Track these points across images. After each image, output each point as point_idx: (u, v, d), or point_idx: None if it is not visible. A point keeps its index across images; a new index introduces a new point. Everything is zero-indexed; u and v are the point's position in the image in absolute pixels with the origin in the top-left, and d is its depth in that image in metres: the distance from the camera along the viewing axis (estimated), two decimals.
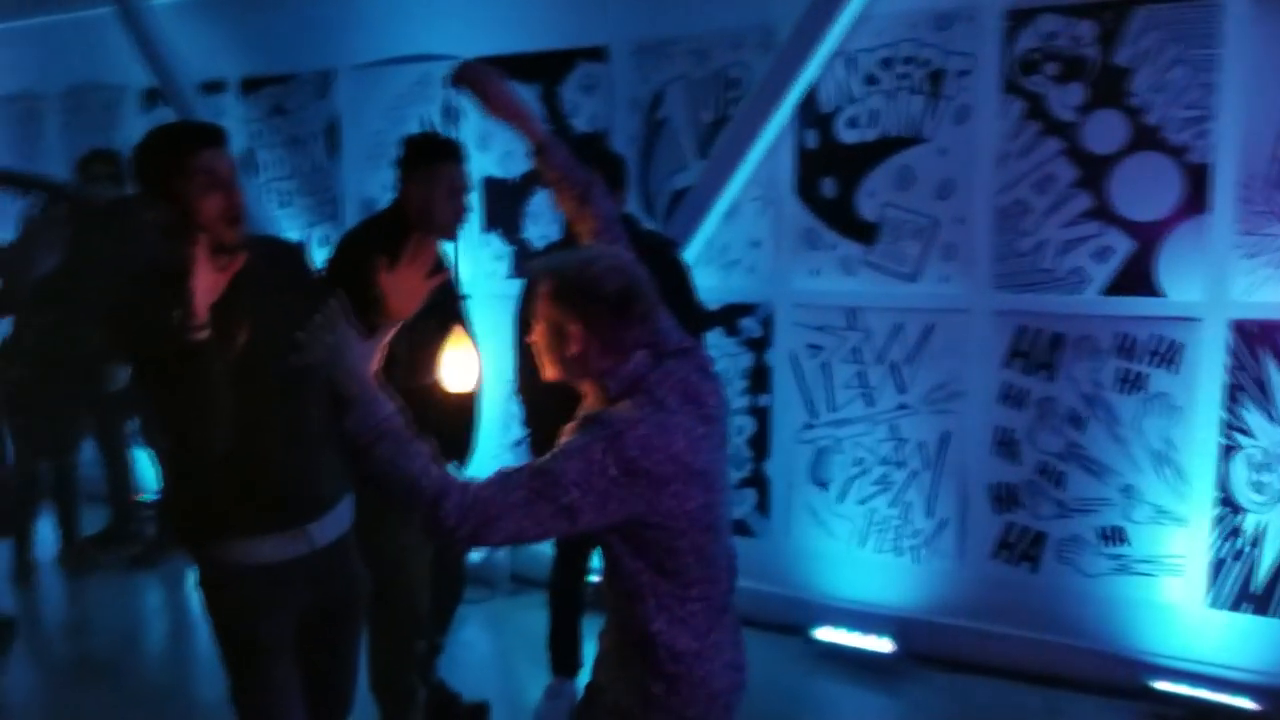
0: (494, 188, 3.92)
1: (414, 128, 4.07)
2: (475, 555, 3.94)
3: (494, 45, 3.83)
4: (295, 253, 2.06)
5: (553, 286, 1.59)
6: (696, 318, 3.00)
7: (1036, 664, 3.16)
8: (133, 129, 4.80)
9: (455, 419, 2.60)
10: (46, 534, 4.22)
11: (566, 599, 3.05)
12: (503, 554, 4.00)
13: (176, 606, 3.93)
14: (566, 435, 1.56)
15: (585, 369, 1.61)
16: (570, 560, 3.03)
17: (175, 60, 4.49)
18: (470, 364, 2.42)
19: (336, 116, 4.27)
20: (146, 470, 4.51)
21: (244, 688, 1.92)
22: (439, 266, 2.55)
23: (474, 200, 3.86)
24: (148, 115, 4.82)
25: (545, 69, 3.76)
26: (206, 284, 1.63)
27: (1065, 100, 2.98)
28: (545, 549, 3.07)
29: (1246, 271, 2.84)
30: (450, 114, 3.98)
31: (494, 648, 3.65)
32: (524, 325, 2.86)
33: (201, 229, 1.69)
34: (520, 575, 3.97)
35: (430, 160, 2.47)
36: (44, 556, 4.24)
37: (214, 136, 1.75)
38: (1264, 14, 2.71)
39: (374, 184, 4.23)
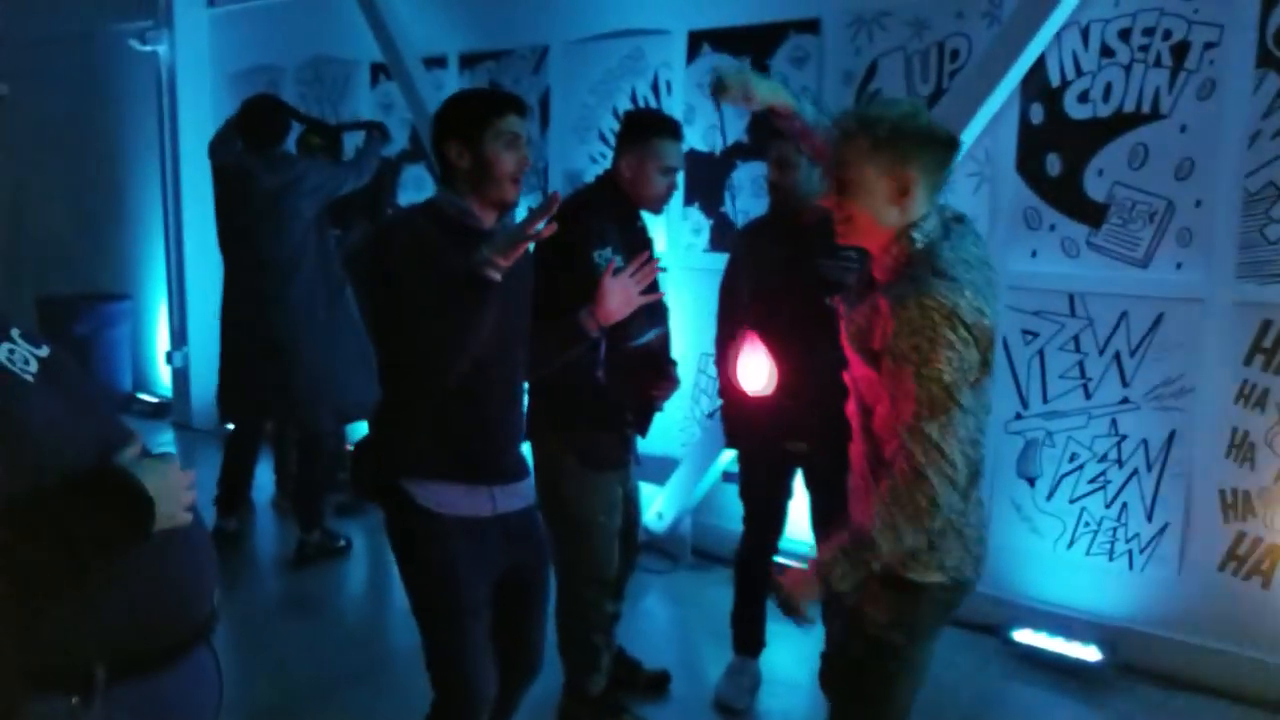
0: (696, 161, 4.11)
1: (623, 102, 4.36)
2: (660, 526, 4.21)
3: (703, 19, 4.05)
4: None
5: (892, 129, 1.75)
6: None
7: (1263, 688, 3.09)
8: (362, 102, 5.39)
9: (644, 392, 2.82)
10: (264, 476, 4.85)
11: (753, 575, 3.21)
12: (686, 527, 4.24)
13: (380, 552, 4.44)
14: (890, 314, 1.72)
15: (903, 218, 1.78)
16: (760, 537, 3.19)
17: (402, 36, 4.99)
18: (764, 367, 2.62)
19: (547, 91, 4.63)
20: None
21: (443, 647, 2.08)
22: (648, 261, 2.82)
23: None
24: (375, 89, 5.39)
25: (755, 41, 3.93)
26: (524, 245, 1.91)
27: None
28: (734, 524, 3.28)
29: None
30: (658, 88, 4.24)
31: (674, 619, 3.90)
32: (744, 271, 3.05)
33: (494, 180, 2.03)
34: (702, 550, 4.20)
35: (646, 136, 2.71)
36: (260, 498, 4.85)
37: (522, 107, 2.09)
38: None
39: (579, 157, 4.57)
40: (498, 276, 1.85)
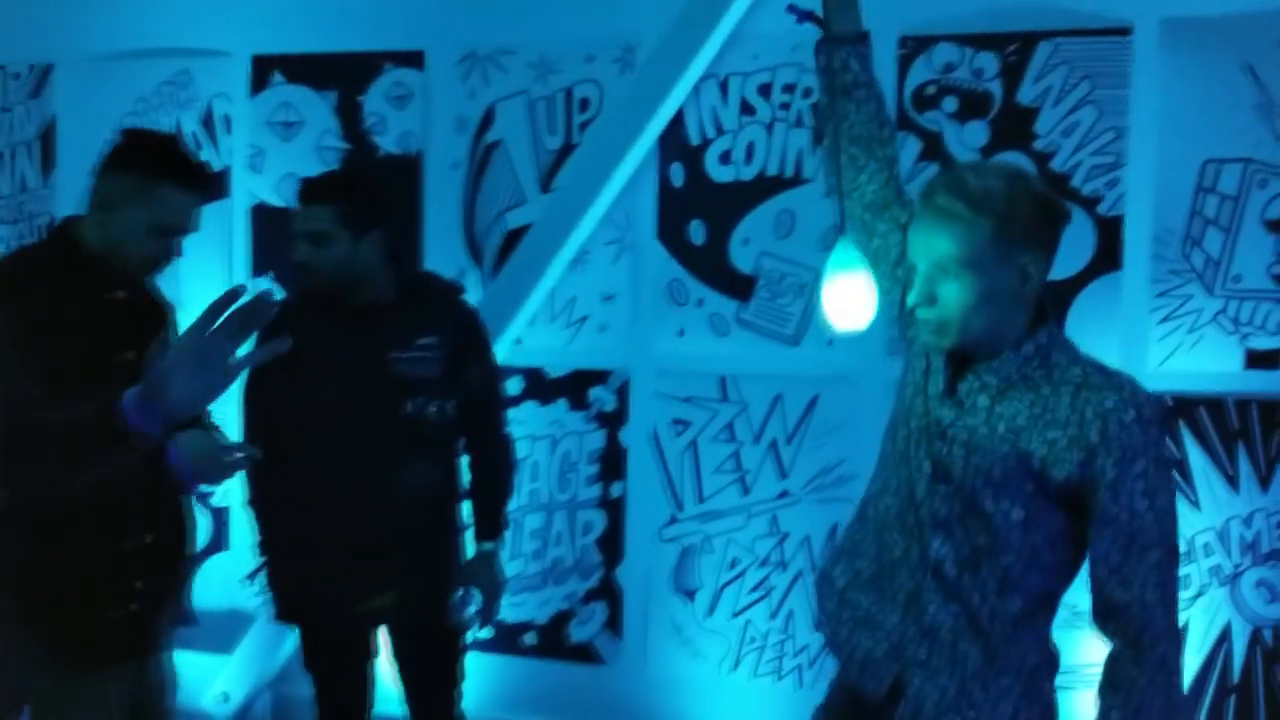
0: (268, 219, 3.58)
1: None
2: (225, 712, 3.42)
3: (274, 42, 3.56)
4: None
5: (1009, 202, 1.49)
6: (496, 393, 2.72)
7: None
8: None
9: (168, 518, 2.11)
10: None
11: None
12: (265, 705, 3.53)
13: None
14: (1115, 429, 1.50)
15: (1020, 312, 1.56)
16: (341, 694, 2.58)
17: None
18: (865, 294, 1.87)
19: (53, 121, 3.79)
20: None
21: None
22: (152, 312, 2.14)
23: (235, 237, 3.58)
24: None
25: (342, 73, 3.52)
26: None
27: (965, 140, 3.03)
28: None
29: (1160, 337, 2.93)
30: (213, 124, 3.64)
31: None
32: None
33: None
34: None
35: (154, 174, 1.97)
36: None
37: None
38: (1175, 48, 2.85)
39: None
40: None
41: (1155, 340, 2.93)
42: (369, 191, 2.50)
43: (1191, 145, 2.87)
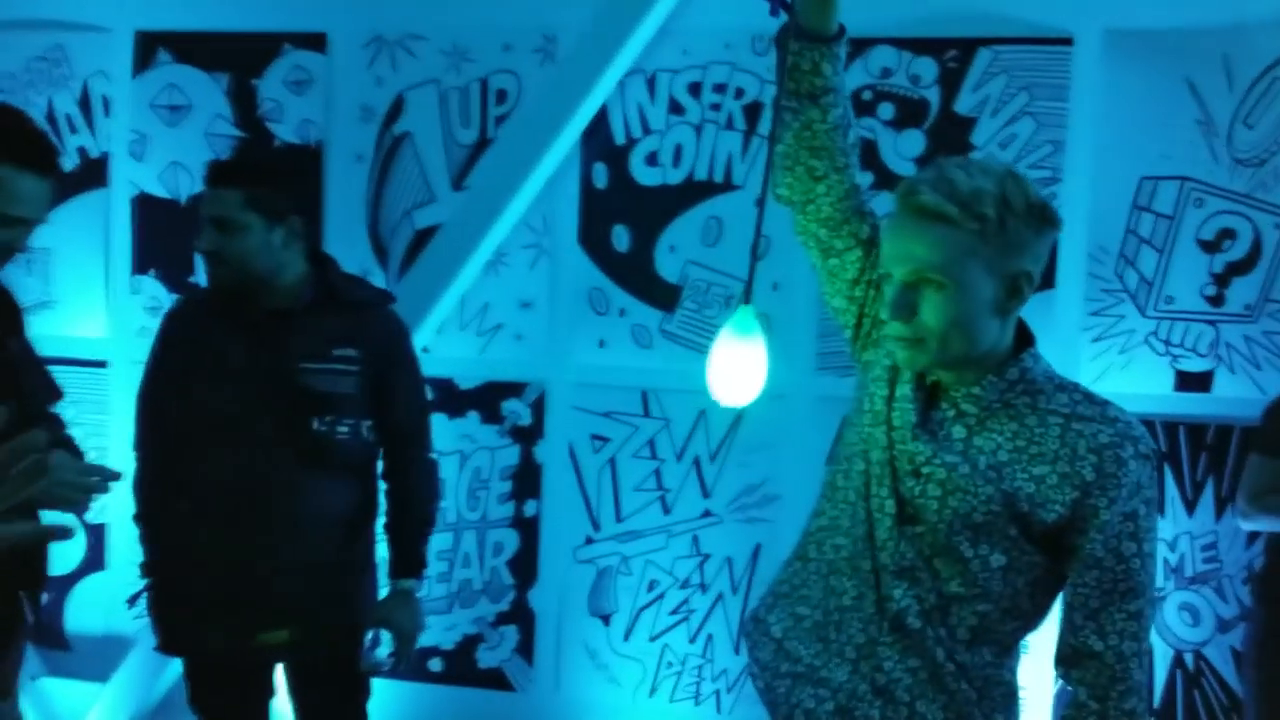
0: (151, 211, 3.38)
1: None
2: None
3: (160, 18, 3.36)
4: None
5: (1002, 205, 1.37)
6: (421, 416, 2.52)
7: None
8: None
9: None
10: None
11: None
12: None
13: None
14: (1110, 470, 1.42)
15: (1004, 331, 1.47)
16: None
17: None
18: (755, 366, 1.69)
19: None
20: None
21: None
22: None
23: (114, 230, 3.38)
24: None
25: (237, 52, 3.33)
26: None
27: (901, 149, 2.95)
28: None
29: (1092, 357, 2.90)
30: (90, 105, 3.41)
31: None
32: None
33: None
34: None
35: None
36: None
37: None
38: (1117, 60, 2.80)
39: None
40: None
41: (1087, 360, 2.90)
42: (284, 175, 2.38)
43: (1129, 162, 2.83)
